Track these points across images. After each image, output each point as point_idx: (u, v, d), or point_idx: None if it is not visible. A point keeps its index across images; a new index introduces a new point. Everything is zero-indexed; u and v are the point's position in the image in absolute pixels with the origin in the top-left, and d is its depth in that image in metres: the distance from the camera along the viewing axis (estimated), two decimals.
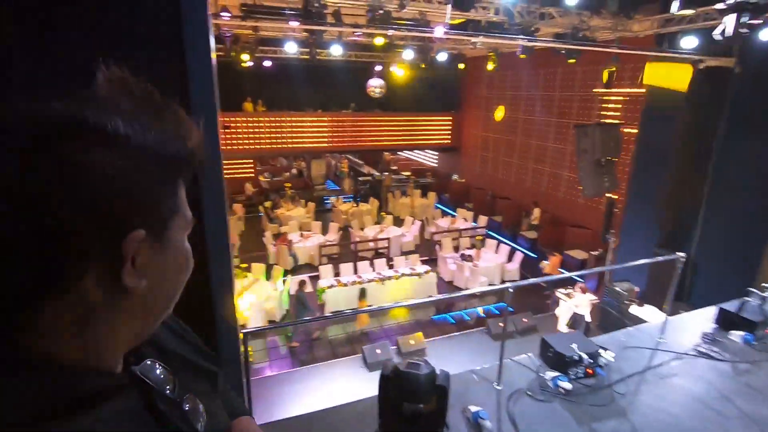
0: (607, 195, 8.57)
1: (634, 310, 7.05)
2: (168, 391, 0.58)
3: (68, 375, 0.47)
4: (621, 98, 9.86)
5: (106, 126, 0.45)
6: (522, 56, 6.91)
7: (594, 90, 10.53)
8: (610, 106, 10.19)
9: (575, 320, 7.02)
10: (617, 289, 7.27)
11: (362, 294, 8.21)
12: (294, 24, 6.34)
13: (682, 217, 7.67)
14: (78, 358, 0.48)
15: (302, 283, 8.04)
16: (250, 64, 10.67)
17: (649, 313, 6.96)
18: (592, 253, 9.98)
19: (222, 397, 0.76)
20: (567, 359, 2.65)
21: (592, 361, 2.68)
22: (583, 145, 7.98)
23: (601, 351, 2.73)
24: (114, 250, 0.46)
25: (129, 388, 0.52)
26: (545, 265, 9.59)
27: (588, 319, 6.91)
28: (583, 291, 7.01)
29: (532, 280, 2.71)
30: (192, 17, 1.93)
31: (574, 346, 2.70)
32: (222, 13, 6.48)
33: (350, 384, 6.44)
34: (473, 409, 2.41)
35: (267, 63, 12.46)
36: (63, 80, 1.74)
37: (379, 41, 7.10)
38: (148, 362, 0.59)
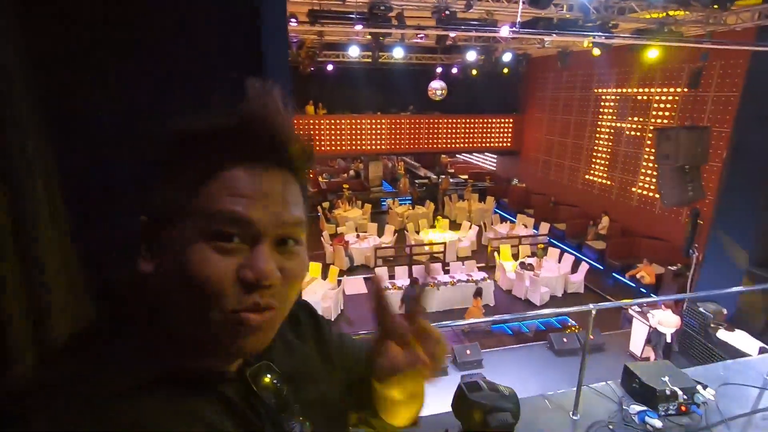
0: (692, 205, 7.77)
1: (723, 335, 6.30)
2: (272, 396, 0.56)
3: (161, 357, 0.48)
4: (709, 98, 8.93)
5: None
6: (595, 54, 6.44)
7: (677, 89, 9.64)
8: (695, 107, 9.27)
9: (651, 339, 6.39)
10: (701, 310, 6.54)
11: (478, 292, 8.07)
12: (359, 27, 6.38)
13: None
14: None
15: (415, 280, 8.13)
16: (313, 68, 10.95)
17: (740, 339, 6.19)
18: (670, 267, 9.11)
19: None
20: (657, 393, 2.37)
21: (687, 397, 2.37)
22: (664, 150, 7.29)
23: (698, 387, 2.41)
24: None
25: (227, 384, 0.52)
26: (639, 271, 8.92)
27: (669, 340, 6.25)
28: (668, 308, 6.35)
29: (619, 303, 2.45)
30: (270, 24, 1.93)
31: (666, 378, 2.41)
32: (290, 20, 6.67)
33: None
34: None
35: (329, 67, 12.73)
36: (150, 90, 1.81)
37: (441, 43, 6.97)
38: (265, 367, 0.57)
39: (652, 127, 10.01)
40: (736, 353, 5.87)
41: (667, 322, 6.27)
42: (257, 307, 0.47)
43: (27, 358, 0.86)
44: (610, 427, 2.38)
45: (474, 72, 12.72)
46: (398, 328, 0.58)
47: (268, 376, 0.56)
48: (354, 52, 9.42)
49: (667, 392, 2.37)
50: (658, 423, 2.32)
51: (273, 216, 0.49)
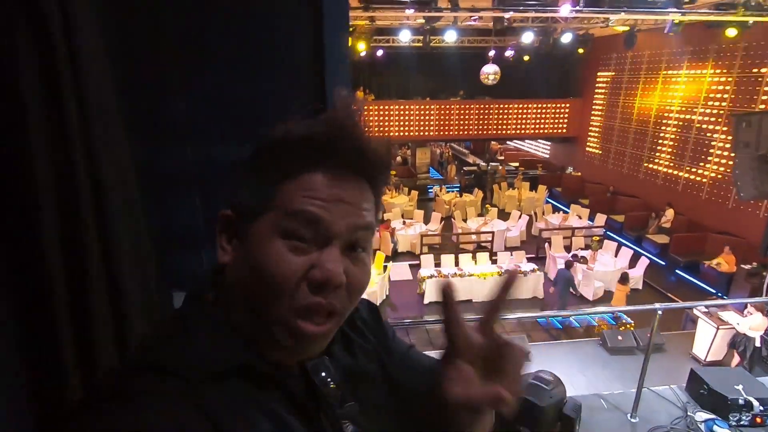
0: None
1: None
2: (330, 391, 0.57)
3: (230, 346, 0.51)
4: None
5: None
6: (671, 33, 5.92)
7: (761, 70, 8.68)
8: None
9: (737, 345, 5.90)
10: None
11: (624, 278, 7.76)
12: (410, 12, 6.26)
13: None
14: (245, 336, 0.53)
15: (569, 264, 8.03)
16: (364, 53, 10.94)
17: None
18: (743, 266, 8.37)
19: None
20: (729, 401, 2.20)
21: (763, 408, 2.19)
22: (743, 138, 6.64)
23: None
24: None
25: (290, 378, 0.54)
26: (721, 263, 8.35)
27: (758, 344, 5.75)
28: (759, 310, 5.84)
29: (686, 304, 2.28)
30: (332, 16, 1.94)
31: (740, 387, 2.23)
32: None
33: None
34: None
35: (379, 52, 12.67)
36: (207, 81, 1.89)
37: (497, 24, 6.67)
38: (325, 361, 0.58)
39: (729, 112, 9.14)
40: None
41: (758, 325, 5.76)
42: (320, 308, 0.50)
43: (111, 352, 0.94)
44: None
45: (527, 57, 12.13)
46: (471, 345, 0.48)
47: (326, 371, 0.58)
48: (405, 36, 9.29)
49: (741, 401, 2.20)
50: None
51: (345, 220, 0.51)
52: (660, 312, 2.18)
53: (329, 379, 0.57)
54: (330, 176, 0.51)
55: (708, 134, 10.10)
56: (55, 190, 0.88)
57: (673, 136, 11.12)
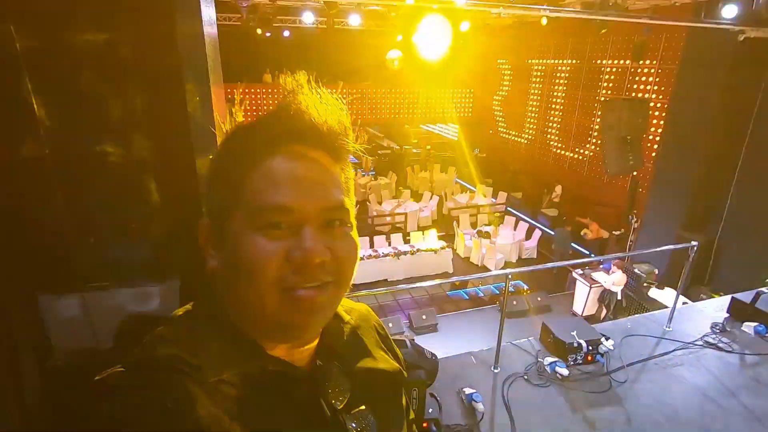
0: (633, 174, 8.26)
1: (654, 293, 6.90)
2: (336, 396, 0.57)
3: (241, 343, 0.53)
4: (653, 71, 9.33)
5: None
6: (544, 24, 6.60)
7: (625, 62, 9.98)
8: (642, 79, 9.67)
9: (604, 299, 6.97)
10: (636, 271, 7.11)
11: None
12: None
13: (710, 199, 7.34)
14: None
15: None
16: (269, 34, 10.54)
17: (668, 296, 6.80)
18: (614, 232, 9.74)
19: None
20: (567, 346, 2.65)
21: (591, 348, 2.67)
22: (608, 121, 7.64)
23: (602, 339, 2.71)
24: None
25: (299, 383, 0.54)
26: (587, 232, 9.55)
27: (619, 297, 6.84)
28: (619, 268, 6.93)
29: (534, 267, 2.70)
30: None
31: (575, 332, 2.69)
32: None
33: None
34: (468, 391, 2.47)
35: (286, 33, 12.29)
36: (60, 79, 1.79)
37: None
38: (334, 365, 0.59)
39: (602, 99, 10.40)
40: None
41: (619, 281, 6.82)
42: (309, 285, 0.50)
43: None
44: (525, 377, 2.66)
45: None
46: None
47: (338, 376, 0.59)
48: (308, 18, 9.13)
49: (575, 344, 2.66)
50: (565, 371, 2.61)
51: (313, 201, 0.51)
52: (510, 275, 2.55)
53: (343, 384, 0.58)
54: (288, 156, 0.51)
55: (586, 118, 11.42)
56: None
57: (559, 120, 12.38)
